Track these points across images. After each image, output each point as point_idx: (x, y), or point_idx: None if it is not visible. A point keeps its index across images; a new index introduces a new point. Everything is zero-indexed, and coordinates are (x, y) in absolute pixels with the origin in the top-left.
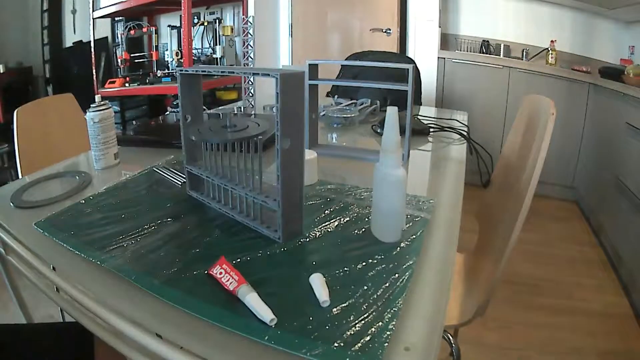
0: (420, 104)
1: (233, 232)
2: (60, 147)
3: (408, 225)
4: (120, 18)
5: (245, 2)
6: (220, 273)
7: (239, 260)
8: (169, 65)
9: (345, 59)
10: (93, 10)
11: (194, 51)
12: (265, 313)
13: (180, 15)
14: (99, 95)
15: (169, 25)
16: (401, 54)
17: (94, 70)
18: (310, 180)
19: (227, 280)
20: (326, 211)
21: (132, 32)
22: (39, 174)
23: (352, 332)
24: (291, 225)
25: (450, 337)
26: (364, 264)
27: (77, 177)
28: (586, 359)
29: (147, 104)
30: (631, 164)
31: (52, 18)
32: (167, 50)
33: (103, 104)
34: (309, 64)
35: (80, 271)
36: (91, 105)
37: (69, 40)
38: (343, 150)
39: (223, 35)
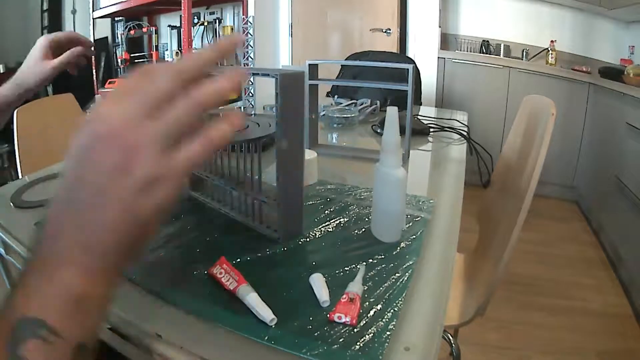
0: (420, 104)
1: (233, 232)
2: (60, 147)
3: (408, 225)
4: (120, 18)
5: (245, 2)
6: (221, 273)
7: (239, 260)
8: None
9: (345, 59)
10: (93, 10)
11: (194, 51)
12: (265, 313)
13: (180, 15)
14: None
15: (169, 25)
16: (401, 54)
17: (94, 70)
18: (310, 180)
19: (227, 280)
20: (326, 211)
21: (132, 32)
22: (39, 174)
23: (352, 332)
24: (291, 225)
25: (450, 337)
26: (364, 264)
27: None
28: (586, 359)
29: None
30: (631, 164)
31: (52, 18)
32: (167, 50)
33: None
34: (309, 64)
35: None
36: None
37: None
38: (343, 150)
39: (223, 35)
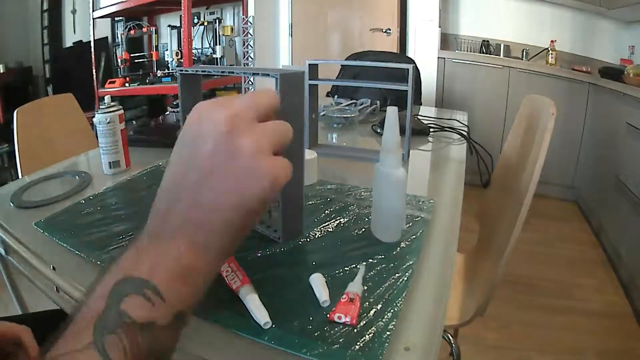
0: (420, 104)
1: None
2: (60, 147)
3: (408, 225)
4: (120, 18)
5: (245, 2)
6: (227, 271)
7: (239, 260)
8: (169, 65)
9: (345, 59)
10: (93, 10)
11: (194, 51)
12: (261, 315)
13: (180, 15)
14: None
15: (169, 25)
16: (401, 54)
17: (94, 70)
18: (310, 180)
19: (232, 279)
20: (326, 211)
21: (132, 32)
22: (39, 174)
23: (352, 332)
24: (291, 225)
25: (450, 337)
26: (364, 264)
27: (77, 177)
28: (586, 359)
29: (147, 104)
30: (631, 164)
31: (52, 18)
32: (167, 50)
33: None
34: (309, 64)
35: (80, 271)
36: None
37: (69, 40)
38: (343, 150)
39: (223, 35)
